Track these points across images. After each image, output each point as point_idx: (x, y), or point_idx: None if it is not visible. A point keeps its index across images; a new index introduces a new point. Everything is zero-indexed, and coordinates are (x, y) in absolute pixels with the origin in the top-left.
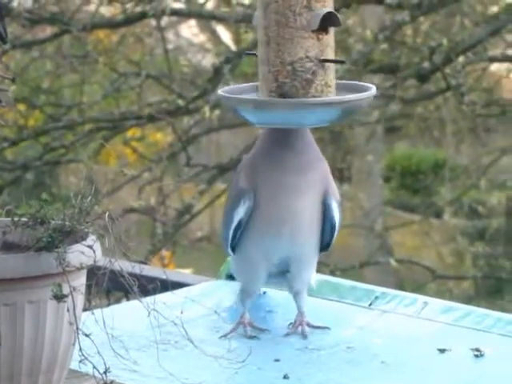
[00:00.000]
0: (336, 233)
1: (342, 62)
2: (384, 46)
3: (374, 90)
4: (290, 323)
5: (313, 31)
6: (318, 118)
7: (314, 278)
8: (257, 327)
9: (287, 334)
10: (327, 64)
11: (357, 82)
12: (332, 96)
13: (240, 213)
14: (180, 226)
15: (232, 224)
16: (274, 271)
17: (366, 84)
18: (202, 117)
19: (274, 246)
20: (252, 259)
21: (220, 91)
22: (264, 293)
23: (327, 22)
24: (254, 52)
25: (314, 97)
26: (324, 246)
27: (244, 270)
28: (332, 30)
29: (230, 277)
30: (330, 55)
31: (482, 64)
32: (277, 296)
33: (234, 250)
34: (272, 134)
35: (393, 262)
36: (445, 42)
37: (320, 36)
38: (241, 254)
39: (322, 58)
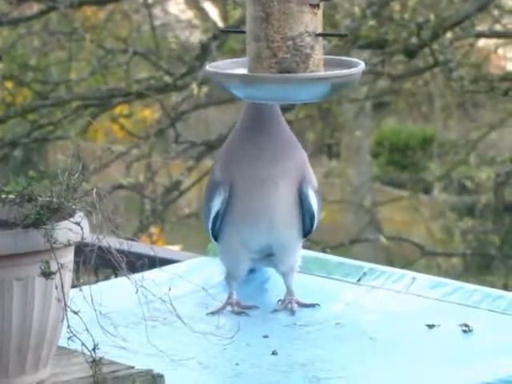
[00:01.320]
0: (316, 220)
1: (344, 36)
2: (372, 22)
3: (362, 65)
4: (279, 300)
5: (311, 5)
6: (309, 94)
7: (299, 260)
8: (245, 306)
9: (275, 311)
10: (320, 38)
11: (343, 58)
12: (322, 71)
13: (216, 204)
14: (168, 202)
15: (210, 215)
16: (257, 257)
17: (352, 59)
18: (190, 94)
19: (251, 236)
20: (232, 248)
21: (207, 67)
22: (252, 270)
23: None
24: (242, 29)
25: (312, 71)
26: (306, 232)
27: (227, 257)
28: (322, 5)
29: None
30: (321, 29)
31: (469, 39)
32: (266, 272)
33: (216, 238)
34: (245, 124)
35: (383, 239)
36: (432, 17)
37: (315, 10)
38: (222, 243)
39: (318, 32)
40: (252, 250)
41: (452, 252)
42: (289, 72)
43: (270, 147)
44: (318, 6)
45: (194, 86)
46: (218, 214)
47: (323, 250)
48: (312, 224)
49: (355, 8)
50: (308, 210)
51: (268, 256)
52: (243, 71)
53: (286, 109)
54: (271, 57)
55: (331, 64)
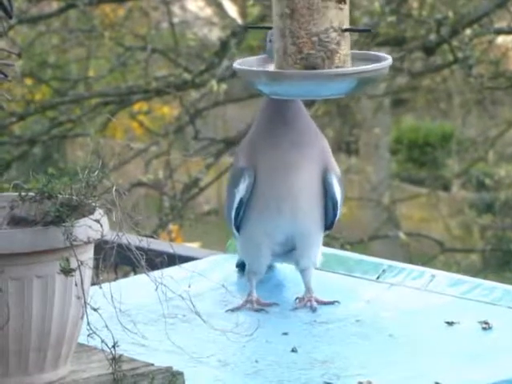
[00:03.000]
0: (339, 210)
1: (367, 31)
2: (392, 18)
3: (390, 59)
4: (297, 297)
5: (337, 1)
6: (336, 89)
7: (320, 255)
8: (264, 303)
9: (295, 309)
10: (346, 34)
11: (368, 52)
12: (349, 66)
13: (241, 191)
14: (187, 199)
15: (234, 203)
16: (278, 250)
17: (377, 53)
18: (209, 90)
19: (275, 223)
20: (255, 238)
21: (235, 64)
22: (271, 266)
23: None
24: (266, 26)
25: (337, 67)
26: (328, 224)
27: (249, 250)
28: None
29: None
30: (347, 25)
31: (488, 36)
32: (285, 269)
33: (238, 230)
34: (267, 113)
35: (402, 236)
36: (450, 14)
37: (341, 6)
38: (245, 234)
39: (344, 27)
40: (274, 241)
41: (472, 248)
42: (314, 68)
43: (293, 135)
44: (344, 0)
45: (214, 82)
46: (241, 201)
47: (342, 246)
48: (335, 214)
49: (375, 4)
50: (332, 198)
51: (289, 251)
52: (271, 68)
53: (305, 105)
54: (296, 53)
55: (358, 58)
